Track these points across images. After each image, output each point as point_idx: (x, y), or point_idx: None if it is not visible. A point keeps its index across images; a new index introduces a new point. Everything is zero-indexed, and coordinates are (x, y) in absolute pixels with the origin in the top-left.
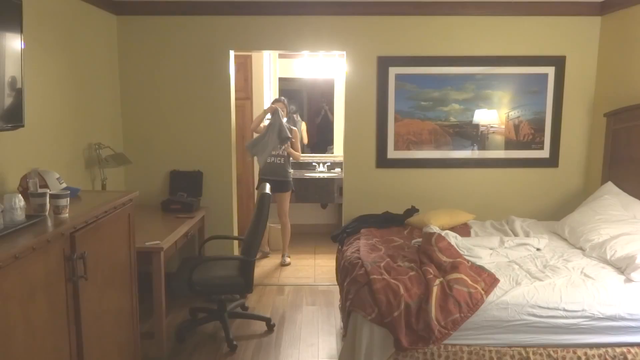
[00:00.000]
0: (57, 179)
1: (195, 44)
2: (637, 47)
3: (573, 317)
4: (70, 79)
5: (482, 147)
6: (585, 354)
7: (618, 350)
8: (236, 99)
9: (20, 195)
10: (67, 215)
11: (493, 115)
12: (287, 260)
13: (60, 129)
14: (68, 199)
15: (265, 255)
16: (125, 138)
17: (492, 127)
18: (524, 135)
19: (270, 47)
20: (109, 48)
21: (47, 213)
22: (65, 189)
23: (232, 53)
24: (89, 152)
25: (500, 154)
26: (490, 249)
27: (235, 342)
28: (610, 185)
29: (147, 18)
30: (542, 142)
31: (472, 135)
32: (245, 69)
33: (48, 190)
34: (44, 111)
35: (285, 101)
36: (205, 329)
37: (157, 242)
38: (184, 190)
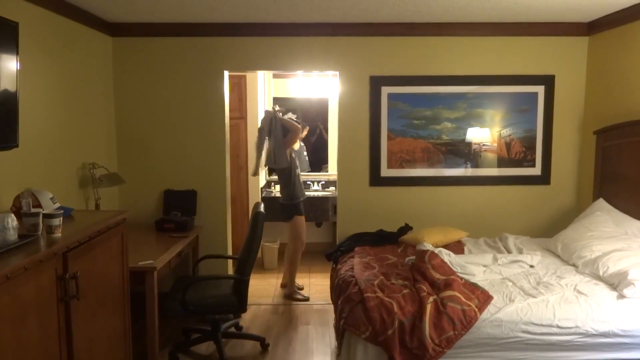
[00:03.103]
0: (51, 198)
1: (189, 64)
2: (624, 66)
3: (567, 334)
4: (65, 99)
5: (475, 165)
6: None
7: None
8: (230, 118)
9: (13, 215)
10: (60, 234)
11: (485, 134)
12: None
13: (54, 149)
14: (61, 218)
15: (295, 294)
16: (120, 158)
17: (484, 145)
18: (515, 153)
19: (264, 68)
20: (104, 69)
21: (40, 233)
22: (59, 208)
23: (226, 73)
24: (83, 171)
25: (493, 171)
26: (484, 266)
27: None
28: (601, 202)
29: (142, 40)
30: (534, 160)
31: (465, 153)
32: (239, 88)
33: (41, 210)
34: (39, 131)
35: (277, 107)
36: (198, 350)
37: (151, 261)
38: (178, 209)
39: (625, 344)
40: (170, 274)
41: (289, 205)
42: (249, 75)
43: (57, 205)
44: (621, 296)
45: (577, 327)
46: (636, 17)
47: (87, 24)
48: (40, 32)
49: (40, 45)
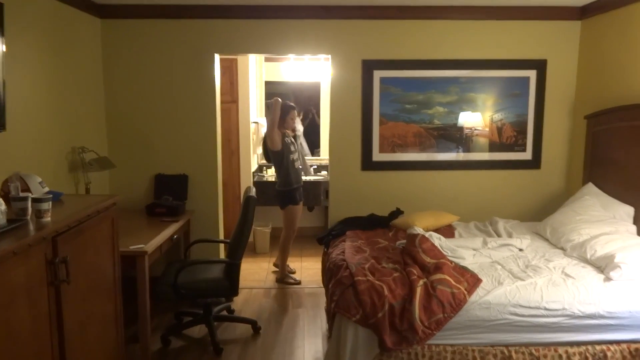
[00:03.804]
0: (40, 182)
1: (180, 47)
2: (615, 51)
3: (554, 316)
4: (53, 82)
5: (467, 149)
6: (566, 352)
7: (598, 347)
8: (222, 102)
9: (1, 199)
10: (49, 219)
11: (477, 118)
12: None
13: (43, 133)
14: (50, 203)
15: (287, 278)
16: (110, 142)
17: (476, 129)
18: (507, 137)
19: (255, 51)
20: (93, 51)
21: (28, 217)
22: (48, 193)
23: (217, 56)
24: (73, 156)
25: (485, 156)
26: (474, 249)
27: (221, 346)
28: (590, 186)
29: (131, 22)
30: (525, 144)
31: (457, 137)
32: (231, 72)
33: (30, 194)
34: (27, 115)
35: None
36: (191, 333)
37: (142, 245)
38: (169, 193)
39: (611, 325)
40: (161, 258)
41: (283, 192)
42: (241, 58)
43: (46, 189)
44: (608, 279)
45: (564, 309)
46: (628, 2)
47: (74, 5)
48: (26, 14)
49: (27, 28)
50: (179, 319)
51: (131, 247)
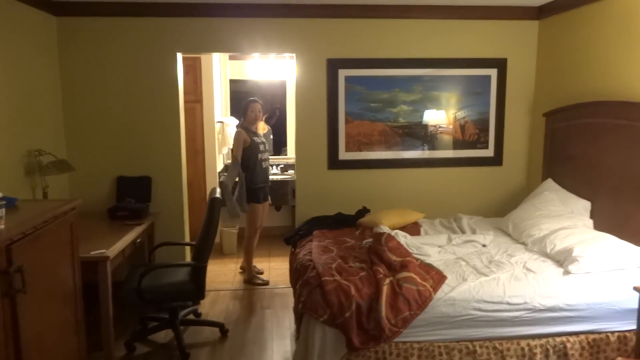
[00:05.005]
0: None
1: (140, 46)
2: (572, 50)
3: (516, 310)
4: (7, 82)
5: (432, 147)
6: (528, 344)
7: (558, 339)
8: (185, 101)
9: None
10: (2, 226)
11: (441, 116)
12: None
13: None
14: (4, 209)
15: (254, 278)
16: (68, 144)
17: (440, 127)
18: (469, 135)
19: (219, 50)
20: (49, 50)
21: None
22: (2, 198)
23: (179, 55)
24: (29, 159)
25: (449, 153)
26: (439, 246)
27: (187, 350)
28: (549, 182)
29: (89, 19)
30: (487, 142)
31: (422, 135)
32: (194, 71)
33: None
34: None
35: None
36: (156, 338)
37: (103, 251)
38: (132, 196)
39: (570, 317)
40: (125, 262)
41: (247, 190)
42: (204, 57)
43: (0, 195)
44: (567, 272)
45: (525, 303)
46: (584, 2)
47: (27, 2)
48: None
49: None
50: (144, 324)
51: (92, 253)
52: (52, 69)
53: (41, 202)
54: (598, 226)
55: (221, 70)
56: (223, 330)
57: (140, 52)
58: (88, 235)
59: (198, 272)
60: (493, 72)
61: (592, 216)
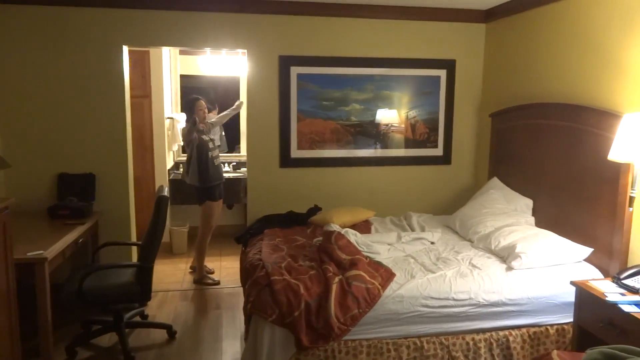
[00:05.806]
0: None
1: (83, 37)
2: (516, 53)
3: (461, 305)
4: None
5: (384, 145)
6: (473, 339)
7: (501, 333)
8: (132, 97)
9: None
10: None
11: (393, 115)
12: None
13: None
14: None
15: (205, 278)
16: (4, 139)
17: (393, 126)
18: (420, 134)
19: (167, 44)
20: None
21: None
22: None
23: (125, 48)
24: None
25: (401, 152)
26: (389, 244)
27: (132, 354)
28: (495, 181)
29: (27, 7)
30: (437, 141)
31: (374, 134)
32: (142, 65)
33: None
34: None
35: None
36: (100, 342)
37: (41, 252)
38: (74, 194)
39: (512, 311)
40: (66, 264)
41: (201, 188)
42: (153, 51)
43: None
44: (510, 268)
45: (470, 298)
46: (529, 7)
47: None
48: None
49: None
50: (87, 328)
51: (29, 254)
52: None
53: None
54: (539, 223)
55: (171, 65)
56: (171, 332)
57: (83, 44)
58: (26, 236)
59: (144, 273)
60: (442, 73)
61: (534, 213)
